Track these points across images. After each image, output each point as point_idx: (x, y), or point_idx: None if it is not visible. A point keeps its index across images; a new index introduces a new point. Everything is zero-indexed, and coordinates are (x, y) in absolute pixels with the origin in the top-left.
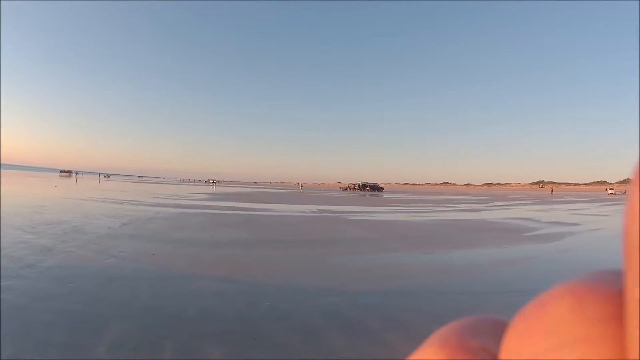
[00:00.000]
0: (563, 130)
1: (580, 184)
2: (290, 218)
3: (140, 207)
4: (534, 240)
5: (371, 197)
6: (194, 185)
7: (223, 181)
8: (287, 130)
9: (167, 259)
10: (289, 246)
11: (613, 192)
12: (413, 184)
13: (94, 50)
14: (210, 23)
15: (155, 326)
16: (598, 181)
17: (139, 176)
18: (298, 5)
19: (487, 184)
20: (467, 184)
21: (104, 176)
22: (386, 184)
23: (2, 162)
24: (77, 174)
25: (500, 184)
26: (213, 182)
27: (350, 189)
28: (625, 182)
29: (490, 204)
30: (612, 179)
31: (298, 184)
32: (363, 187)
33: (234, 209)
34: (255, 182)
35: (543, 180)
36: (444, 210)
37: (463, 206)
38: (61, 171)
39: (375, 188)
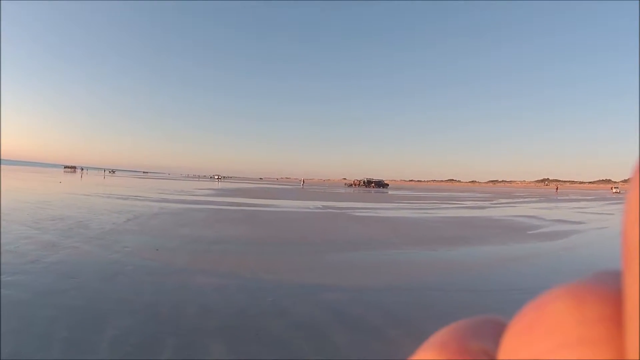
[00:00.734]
0: (568, 128)
1: (585, 182)
2: (295, 214)
3: (145, 203)
4: (538, 238)
5: (376, 194)
6: (199, 181)
7: (228, 177)
8: (292, 127)
9: (170, 254)
10: (292, 242)
11: (618, 191)
12: (418, 181)
13: (97, 46)
14: (214, 20)
15: (157, 322)
16: (603, 179)
17: (143, 172)
18: (305, 3)
19: (492, 181)
20: (472, 181)
21: (109, 172)
22: (391, 180)
23: (4, 158)
24: (82, 169)
25: (505, 181)
26: (218, 178)
27: (355, 185)
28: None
29: (494, 202)
30: (617, 177)
31: (303, 180)
32: (368, 183)
33: (239, 204)
34: (260, 178)
35: (548, 178)
36: (448, 207)
37: (468, 203)
38: (65, 167)
39: (380, 184)
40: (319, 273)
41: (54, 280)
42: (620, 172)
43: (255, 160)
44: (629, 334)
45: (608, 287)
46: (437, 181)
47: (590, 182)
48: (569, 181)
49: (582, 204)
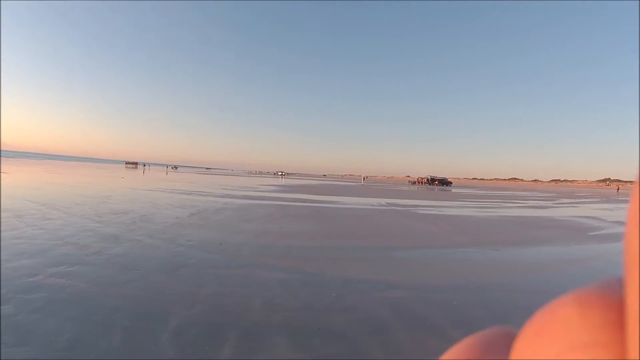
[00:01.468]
0: (631, 127)
1: None
2: (358, 211)
3: (209, 198)
4: (598, 240)
5: (439, 192)
6: (263, 177)
7: (292, 173)
8: (357, 125)
9: (234, 248)
10: (356, 238)
11: None
12: (481, 179)
13: (164, 48)
14: (297, 22)
15: (220, 314)
16: None
17: (206, 168)
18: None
19: (554, 180)
20: (535, 180)
21: (172, 168)
22: (455, 178)
23: (68, 155)
24: (144, 165)
25: (567, 180)
26: (282, 174)
27: (418, 182)
28: None
29: (556, 201)
30: None
31: (364, 177)
32: (432, 181)
33: (303, 200)
34: (324, 175)
35: (609, 178)
36: (511, 207)
37: (530, 202)
38: (127, 163)
39: (444, 182)
40: (383, 270)
41: (116, 271)
42: None
43: (319, 157)
44: (630, 337)
45: (613, 294)
46: (500, 179)
47: None
48: (630, 181)
49: None
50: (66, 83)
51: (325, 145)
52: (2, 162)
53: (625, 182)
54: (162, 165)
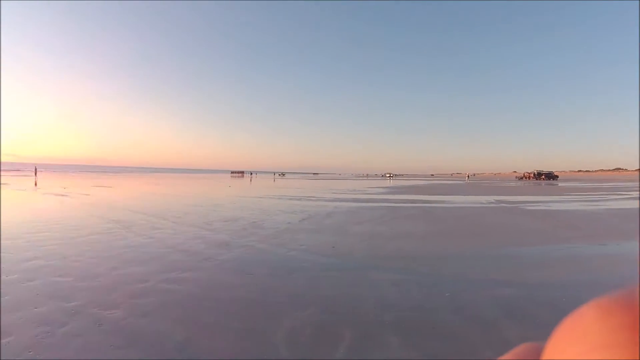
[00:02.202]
0: None
1: None
2: (467, 209)
3: (318, 203)
4: None
5: (546, 186)
6: (370, 180)
7: (399, 175)
8: (465, 121)
9: (346, 251)
10: (466, 237)
11: None
12: (586, 171)
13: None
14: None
15: (334, 315)
16: None
17: (313, 173)
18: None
19: None
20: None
21: (279, 174)
22: (560, 171)
23: (171, 167)
24: (250, 174)
25: None
26: (390, 176)
27: (525, 178)
28: None
29: None
30: None
31: (469, 175)
32: (538, 175)
33: (411, 201)
34: (431, 175)
35: None
36: (617, 199)
37: (633, 194)
38: (232, 172)
39: (550, 176)
40: (492, 268)
41: (227, 276)
42: None
43: (426, 156)
44: None
45: (632, 299)
46: (605, 170)
47: None
48: None
49: None
50: (168, 98)
51: (432, 145)
52: (107, 177)
53: None
54: (269, 172)
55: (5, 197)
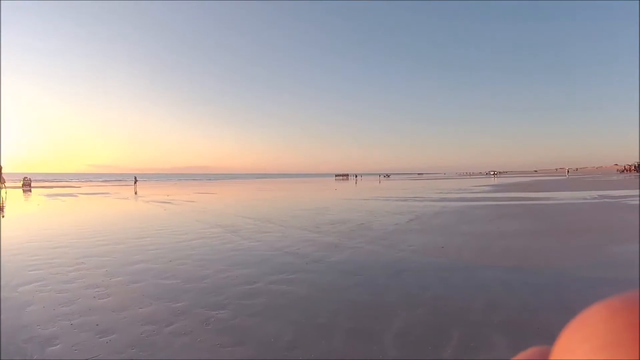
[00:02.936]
0: None
1: None
2: (570, 205)
3: (425, 203)
4: None
5: None
6: (474, 178)
7: (503, 172)
8: (564, 113)
9: (455, 251)
10: (571, 234)
11: None
12: None
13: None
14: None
15: (442, 315)
16: None
17: (418, 174)
18: None
19: None
20: None
21: (384, 176)
22: None
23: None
24: (355, 176)
25: None
26: (494, 173)
27: (626, 171)
28: None
29: None
30: None
31: (570, 170)
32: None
33: (517, 199)
34: (535, 171)
35: None
36: None
37: None
38: (337, 175)
39: None
40: (599, 266)
41: (337, 277)
42: None
43: (530, 150)
44: None
45: (638, 300)
46: None
47: None
48: None
49: None
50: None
51: (533, 141)
52: (210, 184)
53: None
54: (373, 174)
55: (109, 205)
